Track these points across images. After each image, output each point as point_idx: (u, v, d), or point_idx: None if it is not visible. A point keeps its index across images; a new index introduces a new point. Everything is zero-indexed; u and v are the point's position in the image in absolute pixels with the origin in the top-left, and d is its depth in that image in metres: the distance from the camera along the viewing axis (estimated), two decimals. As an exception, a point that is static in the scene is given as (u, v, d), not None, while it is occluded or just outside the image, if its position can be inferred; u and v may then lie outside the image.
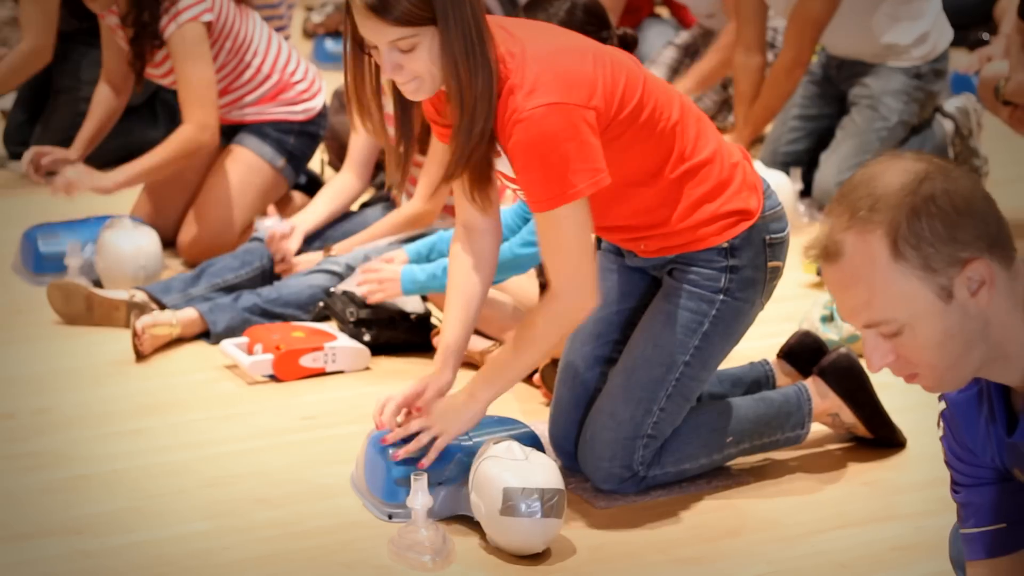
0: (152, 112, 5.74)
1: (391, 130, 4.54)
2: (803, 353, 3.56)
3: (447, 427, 3.10)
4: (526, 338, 3.07)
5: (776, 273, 3.24)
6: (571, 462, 3.31)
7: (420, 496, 2.95)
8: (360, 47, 2.99)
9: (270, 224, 4.41)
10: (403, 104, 3.07)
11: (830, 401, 3.40)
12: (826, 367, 3.41)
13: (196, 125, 4.65)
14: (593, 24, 3.58)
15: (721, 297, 3.18)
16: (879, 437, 3.43)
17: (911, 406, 3.71)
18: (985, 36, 7.54)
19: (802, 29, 5.12)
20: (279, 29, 6.51)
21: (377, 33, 2.90)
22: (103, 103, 4.99)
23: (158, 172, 4.71)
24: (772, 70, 5.25)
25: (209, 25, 4.67)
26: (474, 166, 3.00)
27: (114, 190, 4.65)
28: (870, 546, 3.01)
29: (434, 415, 3.11)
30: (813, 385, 3.41)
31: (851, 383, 3.40)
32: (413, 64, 2.92)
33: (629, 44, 3.66)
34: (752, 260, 3.18)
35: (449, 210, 4.49)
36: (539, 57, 2.96)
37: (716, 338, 3.20)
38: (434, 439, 3.10)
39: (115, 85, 4.97)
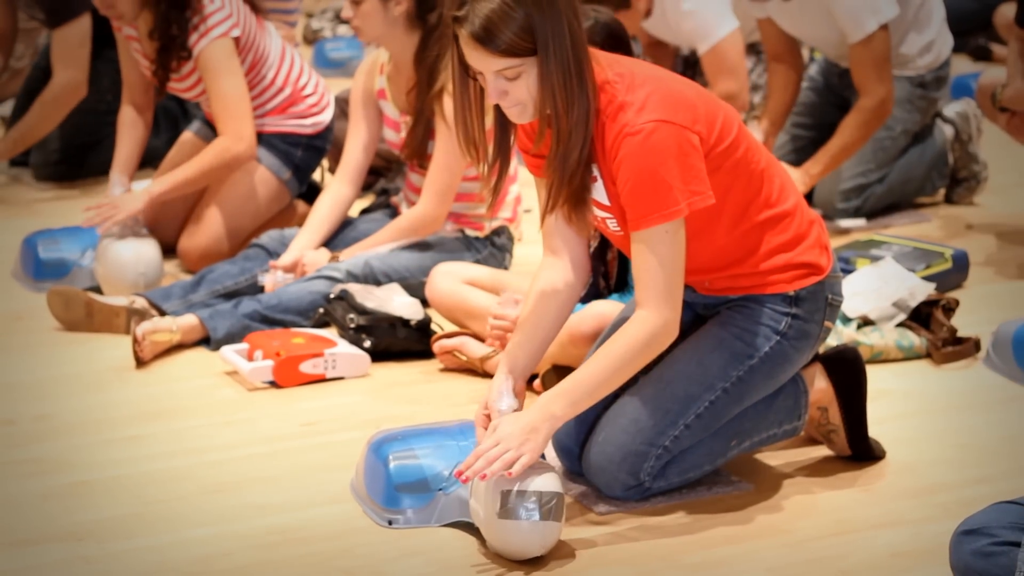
0: (154, 121, 5.73)
1: (390, 133, 4.56)
2: None
3: (527, 449, 2.97)
4: (611, 358, 3.05)
5: (827, 334, 3.29)
6: (574, 465, 3.31)
7: None
8: (466, 71, 3.05)
9: (278, 279, 4.38)
10: (503, 124, 3.12)
11: (824, 390, 3.38)
12: (831, 355, 3.41)
13: (232, 136, 4.67)
14: (612, 43, 3.57)
15: (777, 338, 3.21)
16: (856, 453, 3.40)
17: (911, 412, 3.72)
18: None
19: (880, 68, 4.99)
20: (290, 25, 6.52)
21: (483, 62, 2.98)
22: (130, 127, 4.95)
23: (194, 183, 4.71)
24: (859, 113, 5.01)
25: (236, 40, 4.69)
26: (572, 192, 3.08)
27: (151, 206, 4.61)
28: (870, 552, 3.02)
29: (506, 433, 2.98)
30: (813, 371, 3.40)
31: (849, 378, 3.39)
32: (517, 91, 3.00)
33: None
34: (813, 315, 3.23)
35: (452, 217, 4.49)
36: (648, 79, 3.06)
37: (759, 376, 3.22)
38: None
39: (139, 105, 4.96)
